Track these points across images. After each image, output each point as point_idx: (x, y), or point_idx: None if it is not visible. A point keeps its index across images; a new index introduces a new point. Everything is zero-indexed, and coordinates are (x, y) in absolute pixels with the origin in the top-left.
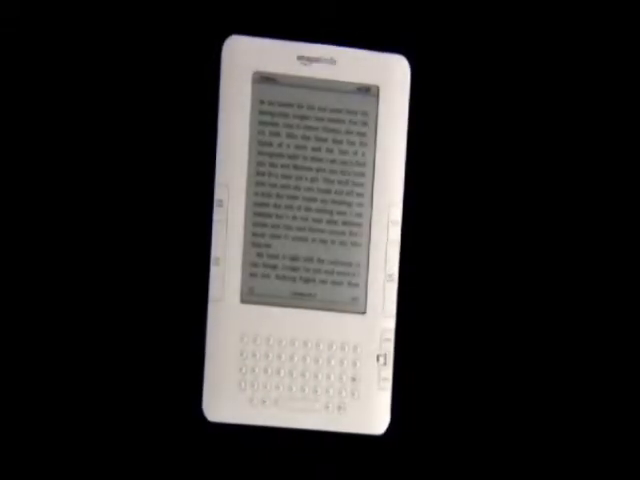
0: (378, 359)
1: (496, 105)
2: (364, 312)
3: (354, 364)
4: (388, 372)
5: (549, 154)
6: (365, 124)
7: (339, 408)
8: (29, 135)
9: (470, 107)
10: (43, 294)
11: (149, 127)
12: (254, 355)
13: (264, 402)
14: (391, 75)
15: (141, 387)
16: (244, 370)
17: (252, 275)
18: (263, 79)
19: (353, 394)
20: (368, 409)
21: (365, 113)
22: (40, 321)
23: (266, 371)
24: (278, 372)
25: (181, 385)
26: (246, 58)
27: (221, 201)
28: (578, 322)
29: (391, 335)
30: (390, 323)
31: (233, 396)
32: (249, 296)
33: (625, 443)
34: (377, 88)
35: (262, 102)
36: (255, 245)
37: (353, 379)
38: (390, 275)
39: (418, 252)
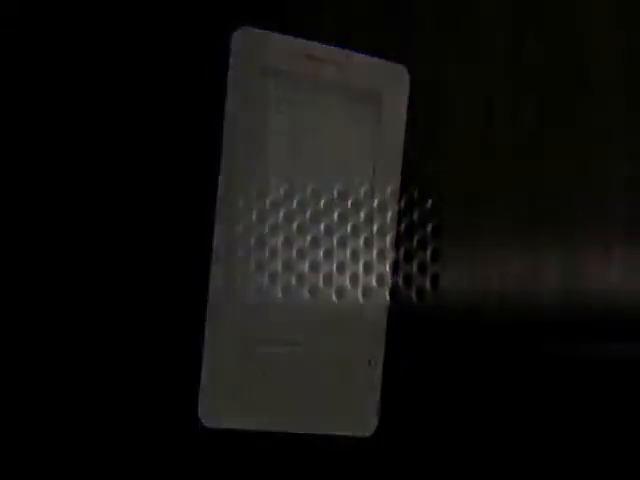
0: (369, 362)
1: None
2: (360, 316)
3: (349, 367)
4: (378, 375)
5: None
6: (368, 129)
7: (331, 411)
8: (31, 132)
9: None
10: (40, 292)
11: (153, 120)
12: (252, 358)
13: (261, 406)
14: (394, 84)
15: (135, 390)
16: (242, 373)
17: (252, 276)
18: (271, 74)
19: (345, 397)
20: (357, 411)
21: (368, 118)
22: (36, 320)
23: (264, 374)
24: (276, 376)
25: (177, 389)
26: (255, 51)
27: (223, 198)
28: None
29: (382, 338)
30: (383, 326)
31: (231, 400)
32: (249, 298)
33: None
34: (380, 95)
35: (269, 98)
36: (256, 246)
37: (347, 382)
38: (384, 279)
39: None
